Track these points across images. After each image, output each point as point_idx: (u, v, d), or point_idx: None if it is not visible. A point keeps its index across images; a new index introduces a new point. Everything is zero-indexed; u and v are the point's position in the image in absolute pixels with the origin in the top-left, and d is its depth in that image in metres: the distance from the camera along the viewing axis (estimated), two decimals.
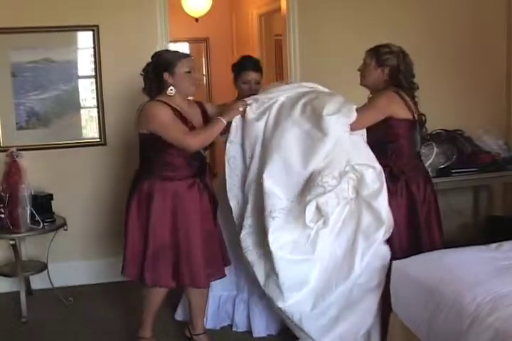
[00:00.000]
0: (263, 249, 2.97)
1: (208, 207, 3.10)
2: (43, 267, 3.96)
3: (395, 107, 3.06)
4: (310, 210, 2.81)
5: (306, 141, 2.91)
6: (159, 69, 2.97)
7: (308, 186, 2.86)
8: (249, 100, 3.09)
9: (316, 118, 2.89)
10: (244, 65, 3.49)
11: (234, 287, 3.47)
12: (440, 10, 4.57)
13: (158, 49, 4.04)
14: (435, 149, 4.03)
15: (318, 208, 2.82)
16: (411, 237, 3.12)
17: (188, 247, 3.00)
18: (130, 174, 4.16)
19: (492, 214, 4.75)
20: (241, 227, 3.05)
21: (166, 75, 2.96)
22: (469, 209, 4.89)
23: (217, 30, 6.45)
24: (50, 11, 3.99)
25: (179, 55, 3.01)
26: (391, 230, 2.99)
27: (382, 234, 2.92)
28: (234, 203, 3.11)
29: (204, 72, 6.45)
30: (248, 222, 3.03)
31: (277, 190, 2.91)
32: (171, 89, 2.97)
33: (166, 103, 2.97)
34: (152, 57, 3.07)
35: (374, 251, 2.92)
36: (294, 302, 2.93)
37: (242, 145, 3.07)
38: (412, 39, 4.09)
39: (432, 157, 3.98)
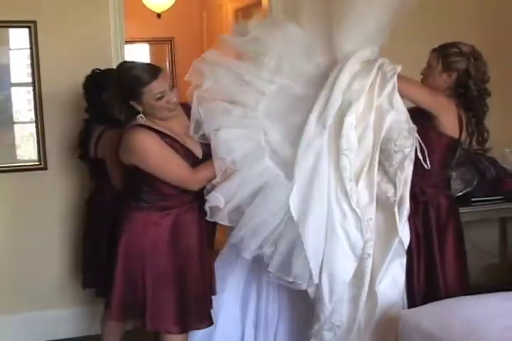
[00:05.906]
0: None
1: (205, 237, 3.23)
2: None
3: (446, 115, 3.14)
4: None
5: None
6: (124, 95, 3.01)
7: (383, 158, 2.91)
8: None
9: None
10: None
11: None
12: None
13: (112, 51, 4.16)
14: (452, 173, 3.98)
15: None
16: (424, 274, 3.17)
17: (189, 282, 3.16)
18: (77, 205, 4.25)
19: None
20: None
21: (133, 103, 3.00)
22: (495, 246, 4.91)
23: (184, 29, 6.52)
24: None
25: (147, 77, 2.93)
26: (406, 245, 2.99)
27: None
28: None
29: None
30: None
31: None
32: (142, 117, 3.03)
33: (149, 128, 3.00)
34: (116, 70, 3.10)
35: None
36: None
37: None
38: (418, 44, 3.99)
39: None
